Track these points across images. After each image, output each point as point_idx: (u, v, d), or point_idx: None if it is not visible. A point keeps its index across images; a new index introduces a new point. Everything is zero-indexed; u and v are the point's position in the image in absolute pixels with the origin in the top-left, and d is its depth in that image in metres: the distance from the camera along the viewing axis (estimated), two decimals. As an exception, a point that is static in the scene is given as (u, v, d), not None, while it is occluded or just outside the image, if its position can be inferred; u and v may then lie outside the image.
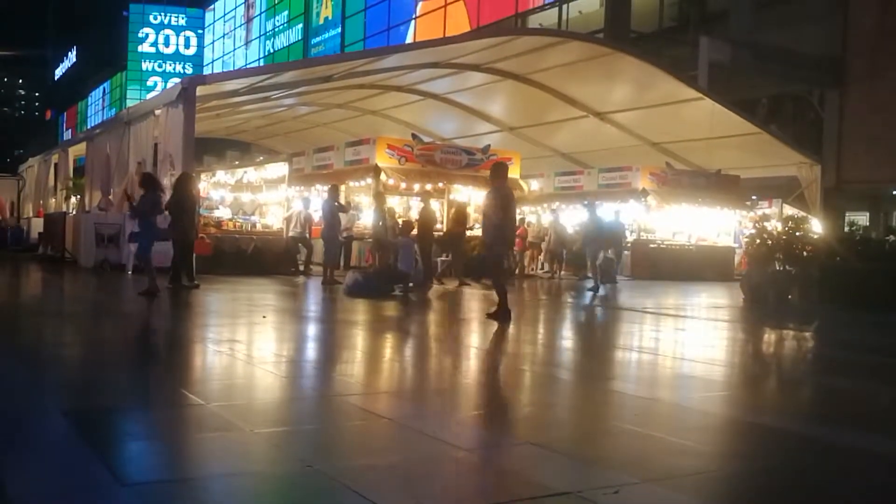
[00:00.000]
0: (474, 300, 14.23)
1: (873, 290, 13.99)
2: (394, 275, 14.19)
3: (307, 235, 18.95)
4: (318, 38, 49.84)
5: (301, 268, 18.66)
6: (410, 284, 14.39)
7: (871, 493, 3.76)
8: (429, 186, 20.14)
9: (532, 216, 25.37)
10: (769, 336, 11.06)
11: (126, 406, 4.93)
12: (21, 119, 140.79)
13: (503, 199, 10.04)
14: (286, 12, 55.01)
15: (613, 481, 3.55)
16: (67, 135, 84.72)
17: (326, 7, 48.83)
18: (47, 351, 7.19)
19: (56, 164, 27.04)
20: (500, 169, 10.53)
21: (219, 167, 26.35)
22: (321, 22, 49.56)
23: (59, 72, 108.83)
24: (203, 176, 23.04)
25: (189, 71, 65.46)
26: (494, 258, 10.51)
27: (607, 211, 21.86)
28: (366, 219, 21.21)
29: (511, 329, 9.56)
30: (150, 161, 18.50)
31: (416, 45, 27.18)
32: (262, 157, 26.92)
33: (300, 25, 52.85)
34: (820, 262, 15.35)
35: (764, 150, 23.25)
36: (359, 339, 8.93)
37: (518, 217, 22.59)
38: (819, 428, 4.97)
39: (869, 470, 4.11)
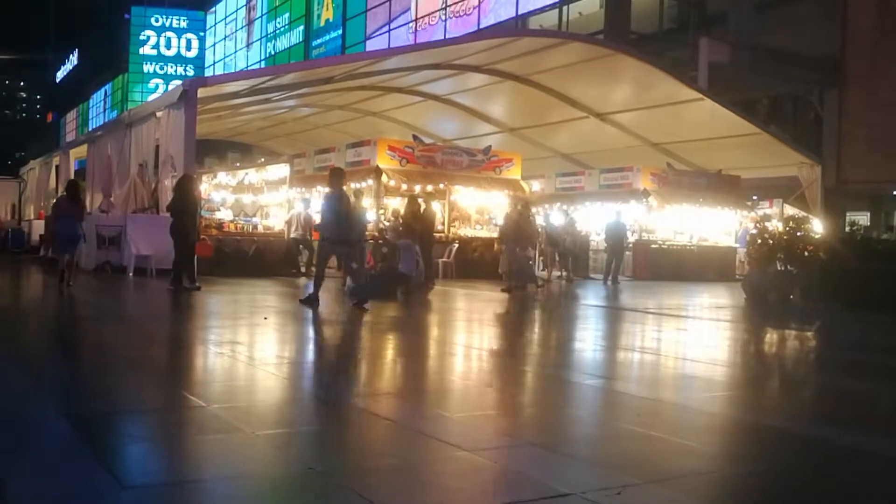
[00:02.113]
0: (476, 301, 14.21)
1: (875, 290, 13.97)
2: (395, 277, 14.17)
3: (308, 237, 18.95)
4: (319, 40, 49.84)
5: (302, 269, 18.64)
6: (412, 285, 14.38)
7: (875, 494, 3.75)
8: (430, 188, 20.13)
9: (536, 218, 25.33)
10: (771, 336, 11.04)
11: (127, 408, 4.92)
12: (22, 121, 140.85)
13: (339, 202, 11.11)
14: (287, 14, 55.04)
15: (616, 482, 3.55)
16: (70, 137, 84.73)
17: (327, 9, 48.87)
18: (47, 353, 7.19)
19: (57, 167, 27.07)
20: (335, 174, 11.58)
21: (220, 169, 26.37)
22: (322, 24, 49.60)
23: (60, 74, 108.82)
24: (204, 177, 23.05)
25: (190, 73, 65.47)
26: (320, 251, 11.66)
27: (608, 211, 21.84)
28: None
29: (514, 330, 9.54)
30: (151, 163, 18.54)
31: (416, 47, 27.17)
32: (263, 159, 26.93)
33: (301, 27, 52.89)
34: (821, 262, 15.33)
35: (764, 150, 23.25)
36: (360, 341, 8.93)
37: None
38: (822, 429, 4.97)
39: (872, 471, 4.10)
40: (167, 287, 13.01)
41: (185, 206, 13.33)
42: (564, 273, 20.24)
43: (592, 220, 24.54)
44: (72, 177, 25.67)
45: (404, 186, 20.30)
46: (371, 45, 41.41)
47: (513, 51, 20.77)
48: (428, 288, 15.42)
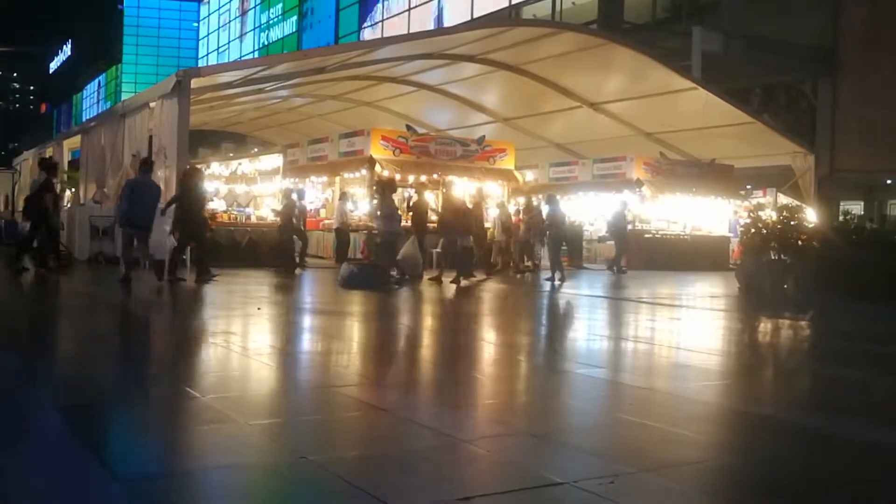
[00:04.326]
0: (470, 292, 14.20)
1: (868, 280, 13.99)
2: (389, 267, 14.17)
3: (302, 227, 18.93)
4: (312, 31, 49.74)
5: (296, 259, 18.61)
6: (406, 276, 14.38)
7: (869, 482, 3.76)
8: (423, 177, 20.11)
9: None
10: (765, 326, 11.06)
11: (120, 399, 4.91)
12: (16, 112, 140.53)
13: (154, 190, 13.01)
14: (280, 5, 54.90)
15: (609, 471, 3.55)
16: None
17: None
18: (39, 345, 7.16)
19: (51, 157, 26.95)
20: (146, 163, 13.69)
21: (213, 159, 26.31)
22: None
23: (53, 65, 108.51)
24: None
25: (184, 63, 65.28)
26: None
27: (612, 202, 21.83)
28: (360, 211, 21.20)
29: (502, 320, 9.53)
30: (145, 153, 18.45)
31: (409, 37, 27.08)
32: (256, 149, 26.91)
33: (294, 18, 52.75)
34: (815, 251, 15.34)
35: (757, 139, 23.24)
36: (353, 331, 8.92)
37: (514, 208, 22.68)
38: (816, 417, 4.98)
39: (867, 459, 4.11)
40: (165, 279, 12.98)
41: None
42: (529, 263, 20.07)
43: (587, 209, 24.58)
44: (65, 168, 25.67)
45: (398, 176, 20.28)
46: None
47: (506, 40, 20.72)
48: (421, 278, 15.42)
